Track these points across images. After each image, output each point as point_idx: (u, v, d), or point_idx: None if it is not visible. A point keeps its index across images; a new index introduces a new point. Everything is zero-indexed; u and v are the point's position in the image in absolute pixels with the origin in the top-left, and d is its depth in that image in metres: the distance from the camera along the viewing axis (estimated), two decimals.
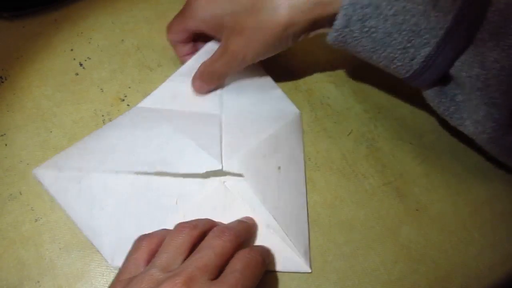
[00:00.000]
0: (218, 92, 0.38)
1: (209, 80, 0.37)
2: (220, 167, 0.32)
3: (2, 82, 0.38)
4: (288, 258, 0.32)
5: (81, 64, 0.40)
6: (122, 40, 0.42)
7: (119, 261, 0.30)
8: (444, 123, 0.42)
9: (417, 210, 0.37)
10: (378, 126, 0.41)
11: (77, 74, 0.40)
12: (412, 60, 0.29)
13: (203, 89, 0.37)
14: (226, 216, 0.32)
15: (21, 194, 0.34)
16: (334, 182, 0.37)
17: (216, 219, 0.31)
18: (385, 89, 0.43)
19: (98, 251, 0.32)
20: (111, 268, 0.32)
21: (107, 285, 0.31)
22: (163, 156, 0.32)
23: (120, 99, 0.39)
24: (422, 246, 0.36)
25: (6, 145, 0.36)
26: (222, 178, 0.33)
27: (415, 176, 0.39)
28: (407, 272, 0.34)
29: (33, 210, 0.33)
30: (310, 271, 0.33)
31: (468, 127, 0.31)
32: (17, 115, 0.37)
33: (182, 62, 0.39)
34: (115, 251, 0.31)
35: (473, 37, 0.28)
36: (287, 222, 0.33)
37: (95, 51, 0.41)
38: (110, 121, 0.38)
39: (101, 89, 0.39)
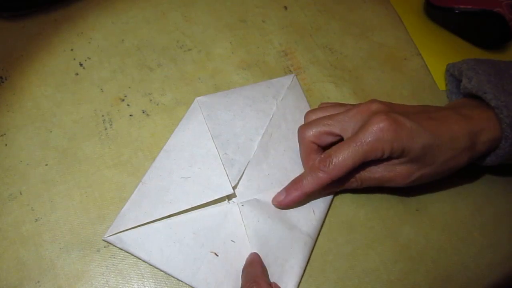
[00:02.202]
0: (261, 126, 0.38)
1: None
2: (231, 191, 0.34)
3: (2, 82, 0.38)
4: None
5: (81, 64, 0.40)
6: (122, 40, 0.42)
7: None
8: None
9: (417, 210, 0.37)
10: None
11: (77, 74, 0.40)
12: None
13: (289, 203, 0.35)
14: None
15: (21, 194, 0.34)
16: None
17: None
18: (385, 89, 0.43)
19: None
20: (111, 268, 0.32)
21: (107, 285, 0.31)
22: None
23: (120, 99, 0.39)
24: (422, 246, 0.36)
25: (6, 145, 0.36)
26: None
27: None
28: (407, 272, 0.34)
29: (33, 210, 0.33)
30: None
31: None
32: (17, 115, 0.37)
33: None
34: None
35: None
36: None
37: (95, 51, 0.41)
38: (110, 121, 0.38)
39: (101, 89, 0.39)
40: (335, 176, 0.32)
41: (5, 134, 0.36)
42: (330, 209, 0.36)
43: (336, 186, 0.35)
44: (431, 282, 0.34)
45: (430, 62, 0.46)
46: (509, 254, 0.36)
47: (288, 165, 0.37)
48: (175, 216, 0.33)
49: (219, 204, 0.34)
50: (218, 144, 0.36)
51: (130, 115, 0.38)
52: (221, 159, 0.35)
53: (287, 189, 0.34)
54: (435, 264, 0.35)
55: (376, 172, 0.33)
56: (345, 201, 0.37)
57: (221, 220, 0.33)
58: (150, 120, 0.38)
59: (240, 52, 0.43)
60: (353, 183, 0.34)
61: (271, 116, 0.38)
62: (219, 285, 0.31)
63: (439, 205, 0.38)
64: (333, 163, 0.32)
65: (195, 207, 0.33)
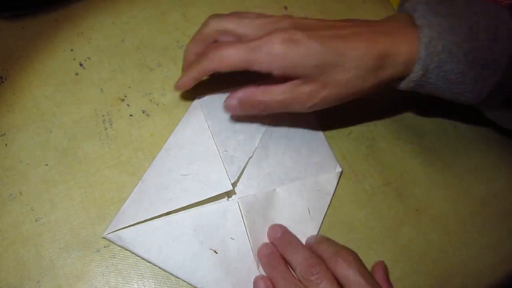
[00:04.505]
0: (261, 123, 0.38)
1: (249, 109, 0.35)
2: (230, 188, 0.34)
3: (2, 82, 0.38)
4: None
5: (81, 64, 0.40)
6: (122, 40, 0.42)
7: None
8: (443, 124, 0.42)
9: (417, 210, 0.37)
10: (378, 126, 0.41)
11: (77, 74, 0.40)
12: (481, 89, 0.32)
13: (235, 112, 0.36)
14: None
15: (21, 194, 0.34)
16: None
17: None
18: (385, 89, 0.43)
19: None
20: (111, 268, 0.32)
21: (107, 285, 0.31)
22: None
23: (120, 99, 0.39)
24: (422, 246, 0.36)
25: (6, 145, 0.36)
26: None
27: (415, 176, 0.39)
28: (407, 272, 0.34)
29: (33, 210, 0.33)
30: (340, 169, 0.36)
31: None
32: (17, 115, 0.37)
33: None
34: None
35: None
36: None
37: (95, 51, 0.41)
38: (110, 121, 0.38)
39: (101, 89, 0.39)
40: (217, 66, 0.32)
41: (5, 134, 0.36)
42: (330, 209, 0.36)
43: (240, 109, 0.34)
44: (431, 282, 0.34)
45: None
46: (509, 254, 0.36)
47: (288, 164, 0.37)
48: (174, 214, 0.33)
49: (218, 201, 0.34)
50: (218, 141, 0.36)
51: (130, 115, 0.38)
52: (220, 156, 0.35)
53: (184, 69, 0.36)
54: (435, 264, 0.35)
55: (278, 95, 0.33)
56: (345, 201, 0.37)
57: (220, 217, 0.33)
58: (150, 120, 0.38)
59: None
60: (256, 107, 0.34)
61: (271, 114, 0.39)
62: (218, 283, 0.31)
63: (439, 205, 0.38)
64: (220, 54, 0.32)
65: (194, 204, 0.33)
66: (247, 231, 0.33)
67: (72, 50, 0.41)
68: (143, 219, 0.32)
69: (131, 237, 0.32)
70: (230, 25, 0.34)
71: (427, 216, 0.37)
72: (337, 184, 0.37)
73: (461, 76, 0.31)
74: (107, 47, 0.42)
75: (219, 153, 0.35)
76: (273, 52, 0.30)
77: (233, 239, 0.33)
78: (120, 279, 0.32)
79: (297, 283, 0.30)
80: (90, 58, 0.41)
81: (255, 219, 0.34)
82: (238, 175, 0.35)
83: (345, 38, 0.31)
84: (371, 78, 0.32)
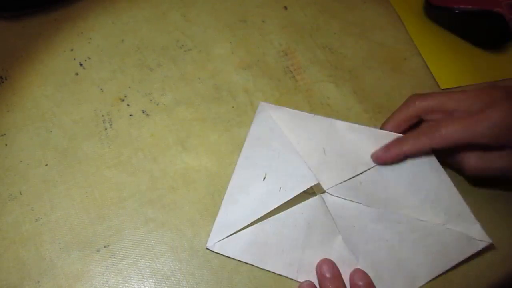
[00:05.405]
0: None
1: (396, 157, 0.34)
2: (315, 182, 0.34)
3: (2, 82, 0.38)
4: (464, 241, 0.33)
5: (81, 64, 0.40)
6: (122, 40, 0.42)
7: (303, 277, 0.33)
8: None
9: None
10: (378, 126, 0.41)
11: (77, 74, 0.40)
12: None
13: (383, 161, 0.35)
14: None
15: (21, 194, 0.34)
16: None
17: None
18: (385, 89, 0.43)
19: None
20: (111, 268, 0.32)
21: (107, 285, 0.31)
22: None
23: (120, 99, 0.39)
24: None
25: (6, 145, 0.36)
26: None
27: None
28: None
29: (33, 210, 0.33)
30: (490, 241, 0.33)
31: None
32: (17, 115, 0.37)
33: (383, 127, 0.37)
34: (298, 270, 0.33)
35: None
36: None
37: (95, 51, 0.41)
38: (110, 121, 0.38)
39: (101, 89, 0.39)
40: (436, 144, 0.32)
41: (5, 134, 0.36)
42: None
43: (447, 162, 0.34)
44: (431, 282, 0.34)
45: (430, 62, 0.45)
46: (509, 254, 0.36)
47: (401, 190, 0.35)
48: (269, 216, 0.34)
49: (307, 198, 0.35)
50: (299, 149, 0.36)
51: (130, 115, 0.38)
52: (301, 155, 0.35)
53: (387, 146, 0.34)
54: None
55: (496, 162, 0.32)
56: None
57: (310, 212, 0.34)
58: (150, 120, 0.38)
59: (240, 52, 0.43)
60: (466, 166, 0.33)
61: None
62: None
63: None
64: (439, 131, 0.31)
65: (283, 206, 0.34)
66: (336, 222, 0.34)
67: (72, 50, 0.41)
68: (240, 227, 0.34)
69: (234, 245, 0.33)
70: (439, 103, 0.33)
71: None
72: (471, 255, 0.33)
73: None
74: (107, 47, 0.42)
75: (299, 152, 0.35)
76: (501, 125, 0.30)
77: (325, 231, 0.34)
78: (120, 279, 0.32)
79: None
80: (90, 58, 0.41)
81: (342, 207, 0.34)
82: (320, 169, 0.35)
83: None
84: None
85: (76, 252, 0.32)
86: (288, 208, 0.34)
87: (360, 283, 0.32)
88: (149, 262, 0.32)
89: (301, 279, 0.33)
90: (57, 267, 0.32)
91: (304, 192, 0.34)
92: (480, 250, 0.34)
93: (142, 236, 0.33)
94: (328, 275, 0.32)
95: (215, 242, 0.33)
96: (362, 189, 0.34)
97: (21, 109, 0.37)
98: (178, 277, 0.32)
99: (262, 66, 0.43)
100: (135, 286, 0.32)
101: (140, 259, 0.32)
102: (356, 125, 0.37)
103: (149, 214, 0.34)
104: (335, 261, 0.33)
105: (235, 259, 0.33)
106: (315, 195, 0.35)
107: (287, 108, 0.38)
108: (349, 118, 0.41)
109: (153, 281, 0.32)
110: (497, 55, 0.46)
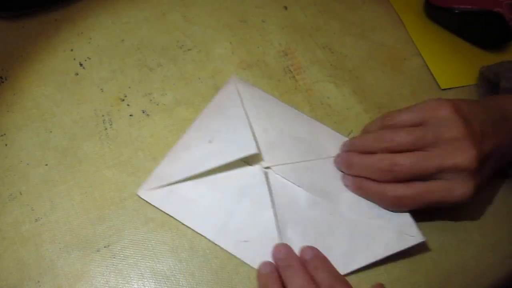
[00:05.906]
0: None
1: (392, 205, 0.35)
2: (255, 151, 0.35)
3: (2, 82, 0.38)
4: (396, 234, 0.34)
5: (81, 64, 0.40)
6: (122, 40, 0.42)
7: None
8: None
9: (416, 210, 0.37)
10: None
11: (77, 74, 0.40)
12: None
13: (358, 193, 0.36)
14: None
15: (21, 194, 0.34)
16: None
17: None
18: (385, 89, 0.43)
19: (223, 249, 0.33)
20: (111, 268, 0.32)
21: (107, 285, 0.31)
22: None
23: (120, 99, 0.39)
24: (422, 246, 0.36)
25: (6, 145, 0.36)
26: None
27: None
28: (407, 272, 0.34)
29: (33, 210, 0.33)
30: (423, 239, 0.34)
31: None
32: (17, 115, 0.37)
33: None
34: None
35: None
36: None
37: (95, 51, 0.41)
38: (110, 121, 0.38)
39: (101, 89, 0.39)
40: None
41: (5, 134, 0.36)
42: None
43: None
44: (431, 282, 0.34)
45: (431, 62, 0.46)
46: (509, 254, 0.36)
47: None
48: (204, 177, 0.35)
49: (246, 167, 0.36)
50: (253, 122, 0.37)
51: (130, 115, 0.38)
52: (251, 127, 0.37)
53: (350, 163, 0.36)
54: (435, 264, 0.35)
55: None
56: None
57: (247, 182, 0.35)
58: (150, 120, 0.38)
59: (240, 52, 0.43)
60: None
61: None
62: (241, 245, 0.33)
63: None
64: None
65: (223, 168, 0.35)
66: (273, 198, 0.34)
67: (72, 50, 0.41)
68: (173, 181, 0.34)
69: (162, 196, 0.34)
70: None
71: (427, 216, 0.37)
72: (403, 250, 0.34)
73: None
74: (107, 47, 0.42)
75: (250, 124, 0.37)
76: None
77: (258, 203, 0.34)
78: (120, 279, 0.32)
79: None
80: (90, 58, 0.41)
81: (282, 185, 0.35)
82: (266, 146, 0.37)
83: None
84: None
85: (76, 252, 0.32)
86: (224, 172, 0.35)
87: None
88: (149, 262, 0.32)
89: (218, 242, 0.33)
90: (57, 267, 0.32)
91: (245, 162, 0.36)
92: (481, 250, 0.34)
93: (142, 236, 0.33)
94: (281, 256, 0.33)
95: (145, 189, 0.34)
96: (306, 175, 0.36)
97: (21, 109, 0.37)
98: (178, 277, 0.32)
99: (262, 66, 0.43)
100: (135, 286, 0.32)
101: (140, 259, 0.32)
102: (320, 124, 0.40)
103: (149, 214, 0.34)
104: (257, 233, 0.34)
105: (161, 210, 0.34)
106: (257, 167, 0.36)
107: (258, 89, 0.40)
108: (349, 118, 0.41)
109: (153, 281, 0.32)
110: (497, 55, 0.46)
